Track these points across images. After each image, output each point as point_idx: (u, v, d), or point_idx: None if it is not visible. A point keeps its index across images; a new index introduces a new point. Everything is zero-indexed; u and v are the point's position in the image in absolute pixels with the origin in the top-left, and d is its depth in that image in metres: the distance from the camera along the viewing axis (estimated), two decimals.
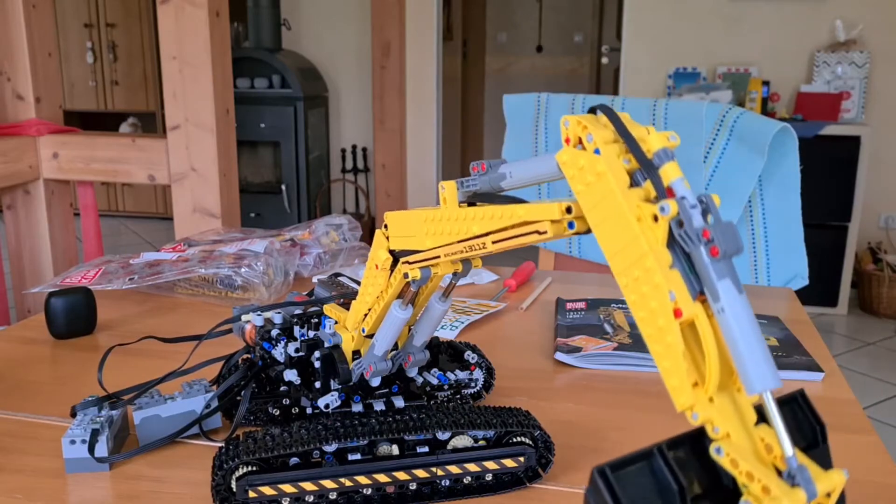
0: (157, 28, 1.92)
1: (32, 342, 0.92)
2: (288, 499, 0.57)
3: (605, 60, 6.35)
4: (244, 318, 0.69)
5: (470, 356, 0.71)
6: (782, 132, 1.37)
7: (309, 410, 0.68)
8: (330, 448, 0.58)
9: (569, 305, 1.06)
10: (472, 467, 0.60)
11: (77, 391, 0.78)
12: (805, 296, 3.67)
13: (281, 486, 0.56)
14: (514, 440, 0.61)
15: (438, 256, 0.51)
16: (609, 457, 0.65)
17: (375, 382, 0.63)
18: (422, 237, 0.52)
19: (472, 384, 0.71)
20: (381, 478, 0.58)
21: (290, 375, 0.65)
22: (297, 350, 0.65)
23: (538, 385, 0.82)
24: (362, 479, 0.58)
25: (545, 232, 0.43)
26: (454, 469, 0.60)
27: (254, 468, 0.56)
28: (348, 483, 0.58)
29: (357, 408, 0.64)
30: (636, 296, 0.38)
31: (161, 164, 1.99)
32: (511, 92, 1.81)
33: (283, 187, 4.71)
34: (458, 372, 0.70)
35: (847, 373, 3.02)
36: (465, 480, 0.61)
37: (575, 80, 6.62)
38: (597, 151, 0.39)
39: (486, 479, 0.61)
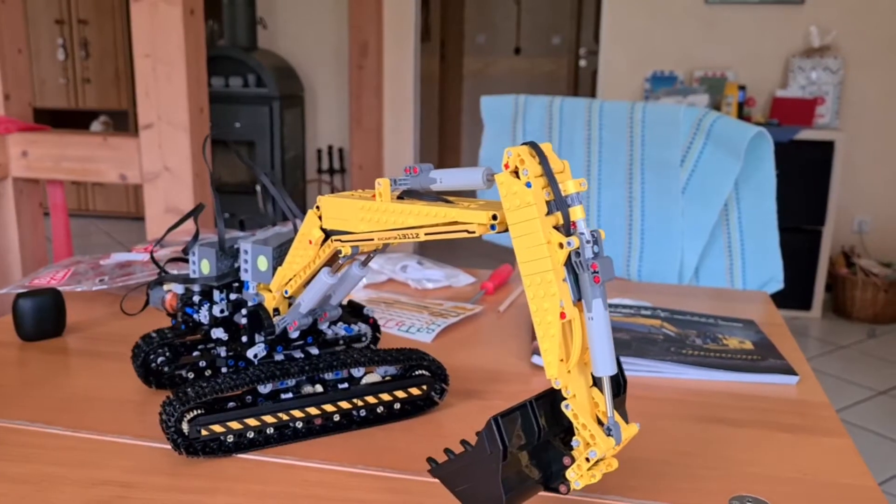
0: (131, 25, 1.90)
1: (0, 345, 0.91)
2: (232, 435, 0.66)
3: (582, 63, 6.39)
4: (165, 287, 0.75)
5: (369, 310, 0.78)
6: (758, 136, 1.39)
7: (224, 370, 0.75)
8: (265, 389, 0.68)
9: None
10: (385, 397, 0.72)
11: (45, 394, 0.77)
12: (780, 299, 3.72)
13: (229, 424, 0.65)
14: (415, 373, 0.74)
15: (372, 239, 0.61)
16: None
17: (294, 335, 0.71)
18: (356, 222, 0.61)
19: (363, 338, 0.77)
20: (312, 410, 0.69)
21: (218, 332, 0.71)
22: (221, 311, 0.72)
23: (515, 388, 0.82)
24: (296, 413, 0.68)
25: (473, 231, 0.54)
26: (371, 399, 0.72)
27: (202, 411, 0.64)
28: (285, 417, 0.68)
29: (279, 357, 0.71)
30: (534, 293, 0.51)
31: (133, 164, 1.97)
32: (489, 93, 1.81)
33: (258, 188, 4.68)
34: (360, 324, 0.77)
35: (820, 376, 3.07)
36: (378, 410, 0.72)
37: (553, 81, 6.65)
38: (528, 185, 0.50)
39: (395, 407, 0.73)
